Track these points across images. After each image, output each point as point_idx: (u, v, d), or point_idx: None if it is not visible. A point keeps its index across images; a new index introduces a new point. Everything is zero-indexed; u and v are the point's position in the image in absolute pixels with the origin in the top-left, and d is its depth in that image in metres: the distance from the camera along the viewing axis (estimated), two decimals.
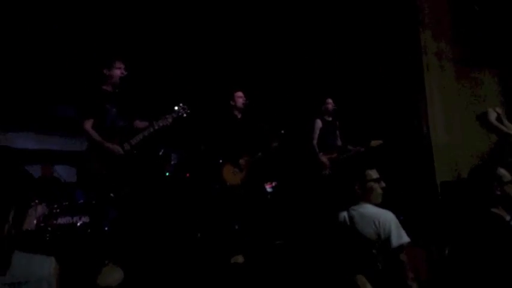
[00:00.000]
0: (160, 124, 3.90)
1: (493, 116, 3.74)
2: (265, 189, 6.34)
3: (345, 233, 2.60)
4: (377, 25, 5.83)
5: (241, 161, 4.70)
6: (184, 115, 4.03)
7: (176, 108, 4.00)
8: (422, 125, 5.39)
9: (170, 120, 3.94)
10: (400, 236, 2.42)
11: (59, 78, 6.26)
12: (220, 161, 4.73)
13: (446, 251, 3.50)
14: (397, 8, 5.70)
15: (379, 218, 2.49)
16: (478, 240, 2.24)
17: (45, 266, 1.44)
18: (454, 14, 5.82)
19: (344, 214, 2.66)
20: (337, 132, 5.75)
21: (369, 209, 2.58)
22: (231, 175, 4.63)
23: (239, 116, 4.88)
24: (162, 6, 5.63)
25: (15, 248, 1.29)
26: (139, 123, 4.03)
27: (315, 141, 5.54)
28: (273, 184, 6.92)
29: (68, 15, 5.35)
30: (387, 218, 2.49)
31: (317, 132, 5.58)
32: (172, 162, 7.06)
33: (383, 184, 2.65)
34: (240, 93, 4.87)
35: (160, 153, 6.65)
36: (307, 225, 4.52)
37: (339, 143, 5.68)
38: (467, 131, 5.44)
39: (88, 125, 3.73)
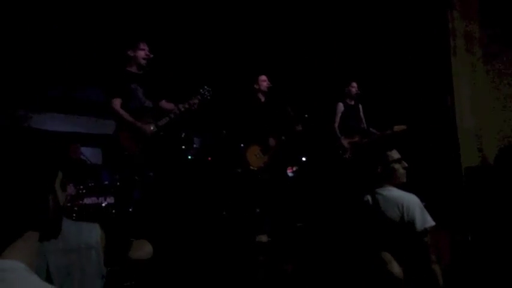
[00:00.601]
0: (187, 106, 3.88)
1: None
2: (287, 173, 6.38)
3: (368, 213, 2.61)
4: (403, 6, 5.70)
5: (271, 141, 4.70)
6: (209, 98, 4.00)
7: (201, 90, 3.98)
8: (448, 108, 5.29)
9: (196, 102, 3.91)
10: (424, 220, 2.41)
11: (84, 60, 6.33)
12: (242, 145, 4.76)
13: (469, 236, 3.49)
14: None
15: (402, 201, 2.48)
16: (504, 224, 2.22)
17: (93, 233, 1.45)
18: None
19: (368, 196, 2.67)
20: (361, 115, 5.72)
21: (393, 192, 2.58)
22: (255, 158, 4.66)
23: (263, 100, 4.89)
24: None
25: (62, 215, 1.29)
26: (165, 104, 4.03)
27: (336, 125, 5.54)
28: (294, 169, 6.94)
29: None
30: (411, 202, 2.48)
31: (338, 115, 5.59)
32: (194, 146, 7.14)
33: (405, 164, 2.64)
34: (264, 77, 4.87)
35: (182, 136, 6.72)
36: (328, 208, 4.54)
37: (363, 126, 5.66)
38: (494, 115, 5.31)
39: (117, 104, 3.71)
